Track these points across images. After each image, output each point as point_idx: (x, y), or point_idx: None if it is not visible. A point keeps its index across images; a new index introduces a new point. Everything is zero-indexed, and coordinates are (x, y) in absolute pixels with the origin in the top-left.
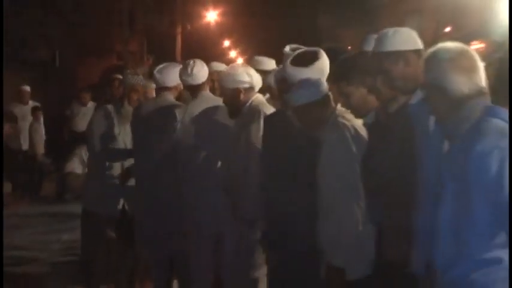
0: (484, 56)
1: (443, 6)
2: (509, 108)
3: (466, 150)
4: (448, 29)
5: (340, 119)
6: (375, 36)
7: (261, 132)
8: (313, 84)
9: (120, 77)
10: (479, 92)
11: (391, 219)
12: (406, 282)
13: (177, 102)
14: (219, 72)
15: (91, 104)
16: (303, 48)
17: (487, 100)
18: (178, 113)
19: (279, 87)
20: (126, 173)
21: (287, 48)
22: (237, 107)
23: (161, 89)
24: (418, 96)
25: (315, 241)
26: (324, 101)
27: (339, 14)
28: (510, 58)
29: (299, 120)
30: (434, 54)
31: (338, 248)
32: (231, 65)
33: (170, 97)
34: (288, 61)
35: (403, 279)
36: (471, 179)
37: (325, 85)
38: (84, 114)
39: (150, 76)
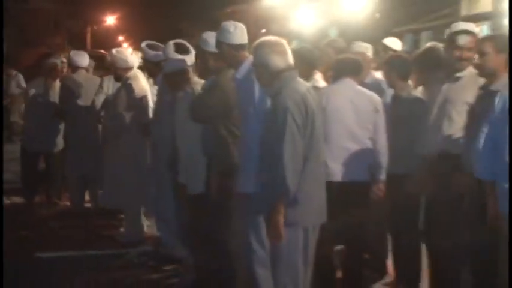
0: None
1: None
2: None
3: (274, 103)
4: (263, 31)
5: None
6: (211, 33)
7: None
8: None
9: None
10: (290, 67)
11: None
12: None
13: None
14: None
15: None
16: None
17: (294, 71)
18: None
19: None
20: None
21: (143, 44)
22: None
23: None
24: (242, 71)
25: None
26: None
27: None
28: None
29: (168, 82)
30: (260, 44)
31: None
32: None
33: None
34: (172, 50)
35: None
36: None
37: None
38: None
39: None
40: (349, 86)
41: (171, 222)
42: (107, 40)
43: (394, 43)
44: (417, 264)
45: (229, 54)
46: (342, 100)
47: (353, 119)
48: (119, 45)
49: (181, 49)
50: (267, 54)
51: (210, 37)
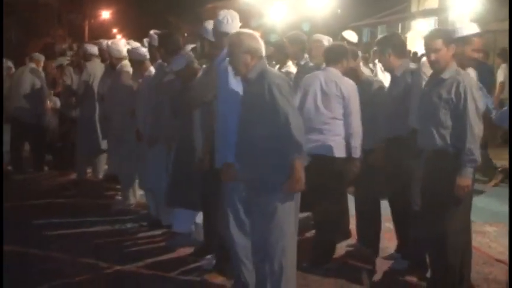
0: None
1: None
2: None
3: (259, 87)
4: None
5: None
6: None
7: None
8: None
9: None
10: (262, 57)
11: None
12: None
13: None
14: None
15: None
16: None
17: (264, 61)
18: None
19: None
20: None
21: (152, 32)
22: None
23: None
24: (219, 59)
25: None
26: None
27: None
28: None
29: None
30: (244, 34)
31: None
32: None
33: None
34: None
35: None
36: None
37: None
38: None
39: (70, 49)
40: (324, 74)
41: (157, 193)
42: (102, 32)
43: (351, 35)
44: (377, 226)
45: (221, 41)
46: (315, 86)
47: (323, 103)
48: (113, 36)
49: None
50: (254, 42)
51: (210, 25)
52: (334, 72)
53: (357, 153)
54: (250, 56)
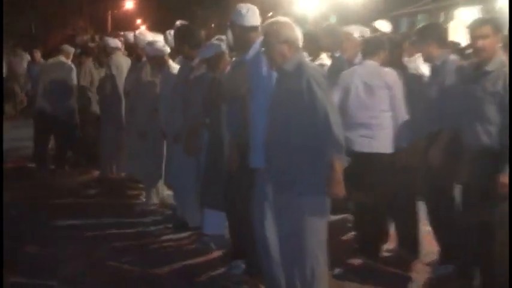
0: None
1: None
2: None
3: (297, 80)
4: (270, 14)
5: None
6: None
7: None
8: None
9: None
10: (299, 48)
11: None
12: None
13: None
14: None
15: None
16: None
17: (302, 52)
18: None
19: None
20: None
21: (178, 22)
22: None
23: None
24: (252, 53)
25: None
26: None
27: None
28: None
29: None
30: (281, 22)
31: None
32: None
33: None
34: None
35: None
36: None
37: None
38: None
39: (92, 41)
40: (364, 67)
41: (186, 192)
42: (126, 23)
43: (383, 25)
44: (415, 228)
45: (240, 36)
46: (356, 80)
47: (367, 96)
48: (137, 28)
49: None
50: (292, 32)
51: (244, 9)
52: (373, 64)
53: (404, 144)
54: (288, 47)
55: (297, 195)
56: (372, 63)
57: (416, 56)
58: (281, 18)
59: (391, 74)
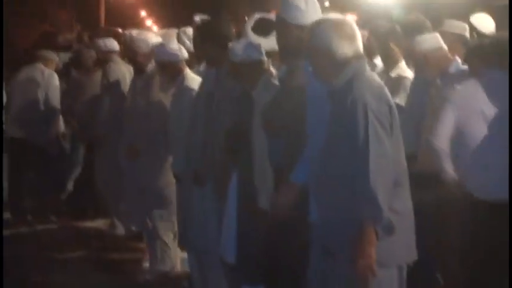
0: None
1: None
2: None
3: (341, 101)
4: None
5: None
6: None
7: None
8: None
9: None
10: (359, 56)
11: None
12: None
13: None
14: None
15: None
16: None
17: (364, 60)
18: None
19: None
20: None
21: (197, 17)
22: None
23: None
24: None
25: None
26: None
27: None
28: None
29: (238, 75)
30: (322, 24)
31: None
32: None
33: None
34: (250, 29)
35: None
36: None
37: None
38: None
39: (79, 41)
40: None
41: (203, 255)
42: (126, 17)
43: (482, 22)
44: None
45: (295, 39)
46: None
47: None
48: (140, 22)
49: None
50: (333, 38)
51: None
52: (496, 76)
53: None
54: (337, 57)
55: (334, 253)
56: (493, 74)
57: None
58: (332, 16)
59: None
